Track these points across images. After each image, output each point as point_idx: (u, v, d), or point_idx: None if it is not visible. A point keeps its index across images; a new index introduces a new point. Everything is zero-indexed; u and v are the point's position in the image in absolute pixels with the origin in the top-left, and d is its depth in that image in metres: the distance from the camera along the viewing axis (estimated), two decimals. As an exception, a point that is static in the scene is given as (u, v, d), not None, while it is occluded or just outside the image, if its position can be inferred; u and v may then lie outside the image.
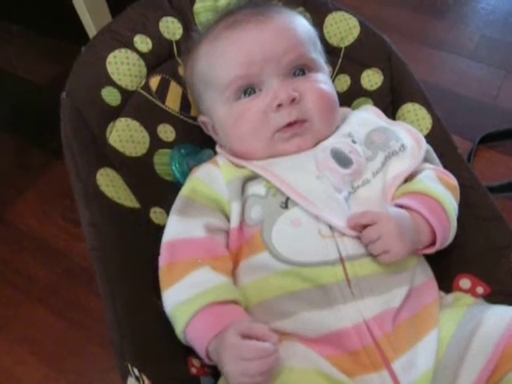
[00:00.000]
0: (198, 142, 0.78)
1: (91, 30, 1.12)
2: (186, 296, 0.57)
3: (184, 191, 0.67)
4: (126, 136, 0.72)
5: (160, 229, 0.66)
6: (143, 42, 0.75)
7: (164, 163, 0.75)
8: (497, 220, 0.69)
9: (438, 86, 1.27)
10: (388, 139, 0.67)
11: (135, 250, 0.64)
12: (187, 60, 0.74)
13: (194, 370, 0.59)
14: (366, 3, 1.48)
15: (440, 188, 0.63)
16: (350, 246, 0.58)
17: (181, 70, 0.79)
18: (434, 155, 0.71)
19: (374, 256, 0.58)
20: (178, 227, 0.63)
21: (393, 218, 0.58)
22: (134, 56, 0.74)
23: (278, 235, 0.60)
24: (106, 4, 1.13)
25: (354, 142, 0.67)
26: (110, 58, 0.72)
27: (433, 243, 0.61)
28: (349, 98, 0.83)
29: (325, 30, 0.83)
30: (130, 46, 0.74)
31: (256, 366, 0.49)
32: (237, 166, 0.67)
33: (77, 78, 0.71)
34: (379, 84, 0.82)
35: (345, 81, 0.84)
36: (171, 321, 0.59)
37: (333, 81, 0.83)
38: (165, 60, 0.78)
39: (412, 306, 0.59)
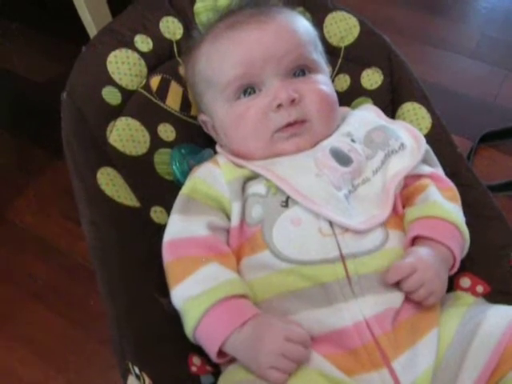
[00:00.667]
0: (199, 142, 0.78)
1: (92, 30, 1.12)
2: (197, 291, 0.57)
3: (185, 190, 0.67)
4: (127, 135, 0.72)
5: (160, 228, 0.66)
6: (144, 42, 0.76)
7: (164, 162, 0.75)
8: (497, 219, 0.70)
9: (438, 85, 1.27)
10: (388, 138, 0.68)
11: (135, 248, 0.64)
12: (188, 59, 0.75)
13: (194, 369, 0.59)
14: (366, 3, 1.47)
15: (450, 206, 0.64)
16: (351, 244, 0.59)
17: (181, 70, 0.79)
18: (432, 155, 0.71)
19: (375, 254, 0.59)
20: (180, 226, 0.63)
21: (429, 263, 0.58)
22: (134, 56, 0.74)
23: (279, 234, 0.60)
24: (107, 4, 1.13)
25: (353, 141, 0.67)
26: (111, 58, 0.73)
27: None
28: (349, 98, 0.83)
29: (325, 30, 0.83)
30: (130, 45, 0.75)
31: (297, 349, 0.52)
32: (237, 165, 0.67)
33: (77, 78, 0.71)
34: (379, 83, 0.82)
35: (345, 80, 0.84)
36: (181, 316, 0.59)
37: (333, 80, 0.83)
38: (165, 60, 0.78)
39: (412, 305, 0.59)
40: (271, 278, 0.59)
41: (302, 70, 0.68)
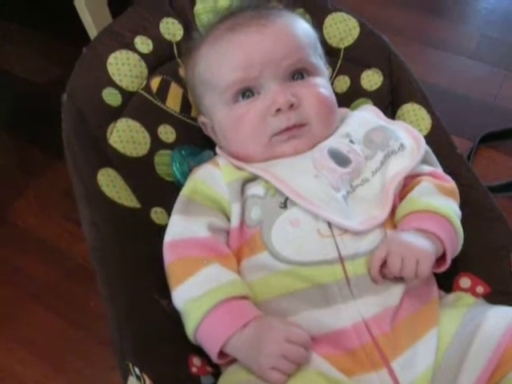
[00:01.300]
0: (199, 143, 0.78)
1: (92, 31, 1.12)
2: (199, 292, 0.57)
3: (185, 191, 0.67)
4: (127, 137, 0.72)
5: (161, 228, 0.66)
6: (144, 43, 0.76)
7: (165, 164, 0.75)
8: (497, 219, 0.70)
9: (437, 85, 1.27)
10: (387, 138, 0.68)
11: (136, 249, 0.64)
12: (188, 61, 0.75)
13: (194, 370, 0.59)
14: (366, 4, 1.48)
15: (442, 201, 0.63)
16: (350, 245, 0.59)
17: (181, 71, 0.79)
18: (432, 156, 0.71)
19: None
20: (181, 227, 0.63)
21: (399, 238, 0.59)
22: (134, 57, 0.74)
23: (278, 235, 0.60)
24: (107, 5, 1.13)
25: (352, 141, 0.67)
26: (111, 59, 0.73)
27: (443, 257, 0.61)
28: (348, 99, 0.83)
29: (324, 31, 0.83)
30: (130, 47, 0.75)
31: (297, 350, 0.52)
32: (236, 167, 0.67)
33: (78, 79, 0.71)
34: (379, 84, 0.82)
35: (344, 82, 0.84)
36: (182, 317, 0.59)
37: (332, 82, 0.83)
38: (165, 61, 0.78)
39: (411, 304, 0.59)
40: (270, 279, 0.60)
41: (300, 73, 0.68)
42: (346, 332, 0.56)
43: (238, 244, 0.64)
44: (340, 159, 0.64)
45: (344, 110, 0.76)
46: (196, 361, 0.60)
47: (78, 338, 0.90)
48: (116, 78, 0.73)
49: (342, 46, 0.84)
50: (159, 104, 0.77)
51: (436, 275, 0.65)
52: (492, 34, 1.43)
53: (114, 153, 0.70)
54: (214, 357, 0.56)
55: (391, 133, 0.69)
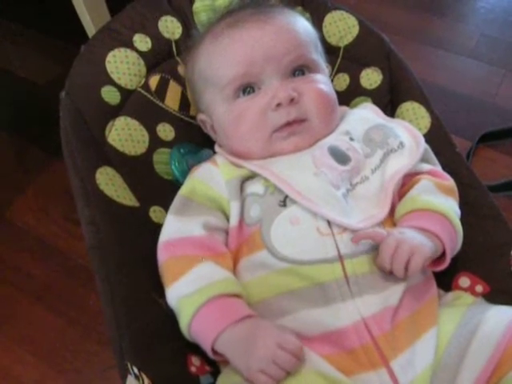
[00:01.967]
0: (197, 142, 0.78)
1: (91, 30, 1.12)
2: (191, 289, 0.57)
3: (183, 191, 0.67)
4: (126, 135, 0.72)
5: (160, 227, 0.65)
6: (142, 41, 0.76)
7: (163, 162, 0.75)
8: (496, 219, 0.70)
9: (437, 84, 1.27)
10: (386, 136, 0.68)
11: (134, 248, 0.64)
12: (188, 58, 0.75)
13: (193, 369, 0.59)
14: (365, 3, 1.48)
15: (442, 200, 0.63)
16: (350, 244, 0.58)
17: (180, 70, 0.79)
18: (431, 154, 0.71)
19: (373, 253, 0.58)
20: (176, 227, 0.63)
21: (401, 229, 0.59)
22: (133, 55, 0.74)
23: (277, 234, 0.60)
24: (105, 3, 1.13)
25: (351, 139, 0.67)
26: (110, 57, 0.72)
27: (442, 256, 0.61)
28: (348, 97, 0.83)
29: (324, 30, 0.83)
30: (129, 45, 0.74)
31: (288, 358, 0.51)
32: (235, 165, 0.67)
33: (76, 77, 0.71)
34: (378, 83, 0.82)
35: (344, 80, 0.84)
36: (176, 314, 0.59)
37: (332, 80, 0.83)
38: (164, 59, 0.78)
39: (410, 304, 0.59)
40: (269, 278, 0.59)
41: (301, 69, 0.68)
42: (345, 331, 0.56)
43: (236, 243, 0.63)
44: (340, 157, 0.64)
45: (344, 108, 0.76)
46: (195, 360, 0.60)
47: (77, 337, 0.89)
48: (114, 76, 0.72)
49: (341, 45, 0.84)
50: (158, 102, 0.77)
51: (435, 274, 0.65)
52: (491, 33, 1.43)
53: (112, 151, 0.70)
54: (209, 353, 0.56)
55: (390, 131, 0.69)
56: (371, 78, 0.83)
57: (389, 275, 0.58)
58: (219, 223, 0.64)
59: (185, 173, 0.72)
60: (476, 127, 1.17)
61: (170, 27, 0.78)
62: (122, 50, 0.73)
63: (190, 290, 0.57)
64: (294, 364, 0.52)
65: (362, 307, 0.57)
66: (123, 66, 0.73)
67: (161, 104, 0.77)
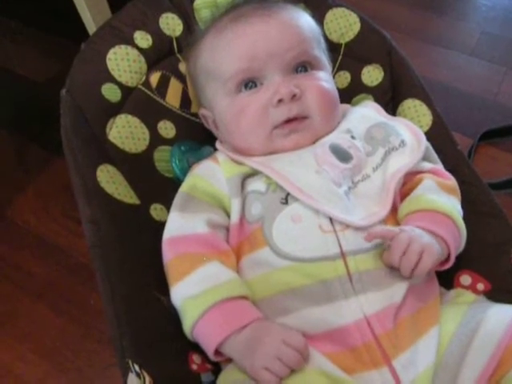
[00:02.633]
0: (198, 139, 0.78)
1: (91, 27, 1.12)
2: (197, 290, 0.57)
3: (184, 188, 0.67)
4: (126, 132, 0.72)
5: (161, 225, 0.66)
6: (143, 39, 0.75)
7: (164, 160, 0.75)
8: (497, 216, 0.70)
9: (438, 82, 1.27)
10: (388, 135, 0.67)
11: (135, 246, 0.64)
12: (190, 53, 0.74)
13: (194, 367, 0.59)
14: (367, 0, 1.47)
15: (445, 199, 0.63)
16: (352, 241, 0.58)
17: (181, 67, 0.79)
18: (432, 152, 0.71)
19: (376, 250, 0.58)
20: (180, 224, 0.63)
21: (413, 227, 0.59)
22: (134, 52, 0.74)
23: (279, 231, 0.60)
24: (106, 0, 1.12)
25: (353, 137, 0.67)
26: (110, 55, 0.72)
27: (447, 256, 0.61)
28: (349, 95, 0.83)
29: (325, 26, 0.83)
30: (130, 42, 0.74)
31: (293, 354, 0.52)
32: (236, 162, 0.67)
33: (77, 75, 0.71)
34: (379, 80, 0.82)
35: (345, 77, 0.84)
36: (180, 314, 0.59)
37: (333, 77, 0.82)
38: (165, 56, 0.78)
39: (413, 302, 0.59)
40: (271, 276, 0.59)
41: (304, 66, 0.67)
42: (347, 329, 0.56)
43: (237, 240, 0.63)
44: (341, 155, 0.64)
45: (345, 105, 0.76)
46: (196, 358, 0.60)
47: (78, 335, 0.89)
48: (115, 74, 0.72)
49: (342, 42, 0.84)
50: (159, 99, 0.76)
51: (437, 272, 0.65)
52: (492, 30, 1.43)
53: (113, 149, 0.70)
54: (210, 355, 0.56)
55: (392, 129, 0.68)
56: (372, 75, 0.83)
57: (393, 271, 0.58)
58: (220, 220, 0.64)
59: (185, 170, 0.72)
60: (477, 125, 1.16)
61: (171, 24, 0.78)
62: (123, 47, 0.73)
63: (195, 291, 0.57)
64: (298, 360, 0.52)
65: (365, 305, 0.56)
66: (124, 63, 0.73)
67: (162, 101, 0.77)
